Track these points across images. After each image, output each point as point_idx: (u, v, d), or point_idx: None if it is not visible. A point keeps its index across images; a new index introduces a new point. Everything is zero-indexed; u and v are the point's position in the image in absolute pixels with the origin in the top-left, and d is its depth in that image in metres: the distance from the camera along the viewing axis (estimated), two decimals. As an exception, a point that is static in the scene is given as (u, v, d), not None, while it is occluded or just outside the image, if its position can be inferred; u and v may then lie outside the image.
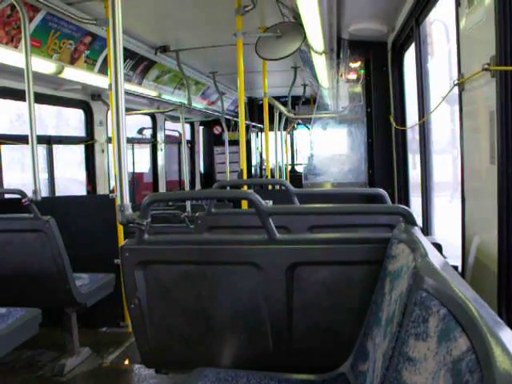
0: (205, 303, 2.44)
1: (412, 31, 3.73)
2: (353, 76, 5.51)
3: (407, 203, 4.44)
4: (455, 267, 2.50)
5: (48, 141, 6.11)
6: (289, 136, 12.23)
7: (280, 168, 9.18)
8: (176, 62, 6.44)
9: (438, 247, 2.42)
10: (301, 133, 13.16)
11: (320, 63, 5.47)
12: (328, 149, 6.34)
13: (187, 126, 10.87)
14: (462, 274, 2.39)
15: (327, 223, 3.25)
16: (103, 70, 5.34)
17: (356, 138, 5.84)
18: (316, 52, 4.93)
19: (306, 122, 10.94)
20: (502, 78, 1.80)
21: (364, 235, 2.35)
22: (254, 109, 11.95)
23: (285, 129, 9.86)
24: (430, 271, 1.50)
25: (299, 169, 12.55)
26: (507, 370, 0.87)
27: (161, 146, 9.30)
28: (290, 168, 11.87)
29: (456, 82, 2.30)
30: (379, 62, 4.81)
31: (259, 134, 13.36)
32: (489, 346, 0.96)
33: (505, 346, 0.94)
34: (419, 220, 3.70)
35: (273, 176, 8.63)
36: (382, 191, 3.08)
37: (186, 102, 7.32)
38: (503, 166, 1.84)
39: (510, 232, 1.86)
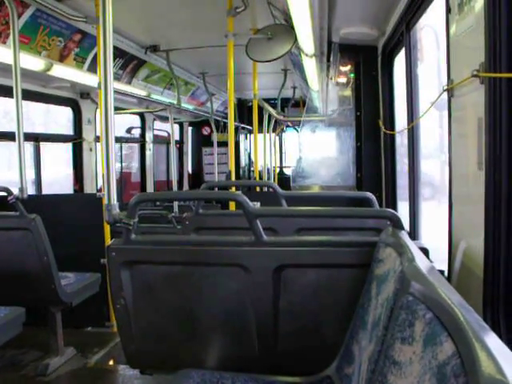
0: (191, 304, 2.43)
1: (402, 36, 3.75)
2: (342, 79, 5.53)
3: (395, 207, 4.46)
4: (442, 272, 2.52)
5: (35, 138, 6.06)
6: (278, 138, 12.24)
7: (268, 170, 9.19)
8: (166, 61, 6.42)
9: (425, 252, 2.43)
10: (290, 135, 13.20)
11: (310, 66, 5.48)
12: (316, 152, 6.35)
13: (176, 127, 10.84)
14: (449, 279, 2.41)
15: (315, 226, 3.25)
16: (93, 69, 5.31)
17: (345, 142, 5.86)
18: (306, 55, 4.94)
19: (295, 125, 10.97)
20: (490, 84, 1.82)
21: (351, 239, 2.36)
22: (244, 110, 11.94)
23: (274, 131, 9.88)
24: (417, 275, 1.50)
25: (288, 171, 12.57)
26: (492, 374, 0.88)
27: (149, 145, 9.26)
28: (278, 170, 11.88)
29: (445, 87, 2.31)
30: (369, 66, 4.83)
31: (248, 135, 13.37)
32: (474, 350, 0.97)
33: (490, 351, 0.94)
34: (407, 224, 3.72)
35: (261, 178, 8.63)
36: (369, 195, 3.09)
37: (175, 102, 7.30)
38: (490, 172, 1.86)
39: (496, 238, 1.87)
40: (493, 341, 1.03)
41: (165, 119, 8.35)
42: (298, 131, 9.02)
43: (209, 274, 2.39)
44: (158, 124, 9.54)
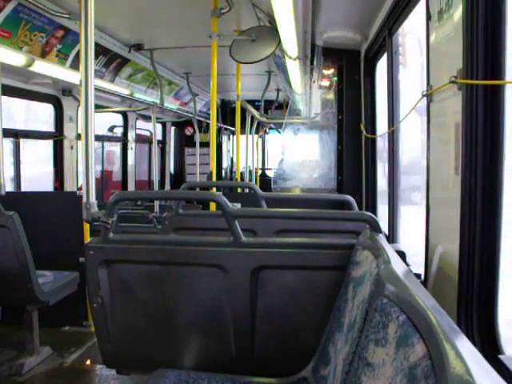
0: (168, 304, 2.43)
1: (385, 41, 3.79)
2: (326, 83, 5.56)
3: (374, 210, 4.50)
4: (418, 275, 2.55)
5: (15, 134, 5.98)
6: (260, 140, 12.26)
7: (250, 171, 9.19)
8: (150, 60, 6.39)
9: (402, 255, 2.46)
10: (273, 137, 13.22)
11: (294, 69, 5.50)
12: (298, 154, 6.38)
13: (159, 126, 10.79)
14: (425, 282, 2.43)
15: (294, 228, 3.27)
16: (75, 66, 5.26)
17: (327, 145, 5.89)
18: (290, 57, 4.96)
19: (278, 127, 10.99)
20: (467, 91, 1.85)
21: (329, 241, 2.37)
22: (227, 111, 11.94)
23: (257, 132, 9.89)
24: (392, 278, 1.52)
25: (270, 173, 12.59)
26: (460, 375, 0.89)
27: (131, 144, 9.21)
28: (260, 172, 11.89)
29: (424, 93, 2.34)
30: (352, 70, 4.87)
31: (231, 136, 13.36)
32: (444, 352, 0.98)
33: (459, 353, 0.96)
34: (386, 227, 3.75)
35: (243, 179, 8.63)
36: (349, 198, 3.12)
37: (158, 101, 7.27)
38: (466, 177, 1.89)
39: (471, 242, 1.90)
40: (463, 342, 1.05)
41: (147, 118, 8.30)
42: (280, 133, 9.05)
43: (187, 274, 2.39)
44: (140, 123, 9.49)
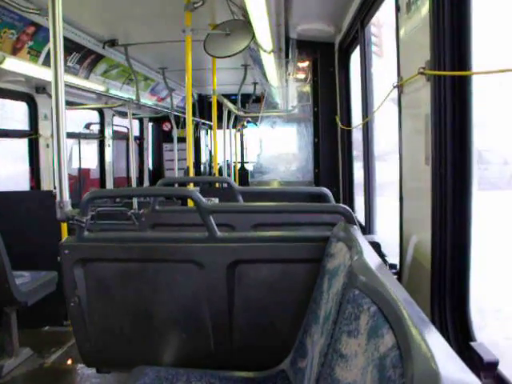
0: (146, 301, 2.42)
1: (357, 33, 3.80)
2: (301, 75, 5.57)
3: (351, 202, 4.53)
4: (394, 265, 2.58)
5: None
6: (239, 134, 12.23)
7: (229, 166, 9.17)
8: (125, 56, 6.33)
9: (377, 246, 2.48)
10: (251, 131, 13.19)
11: (269, 62, 5.50)
12: (275, 147, 6.39)
13: (136, 122, 10.70)
14: (400, 273, 2.46)
15: (271, 221, 3.28)
16: (48, 63, 5.18)
17: (303, 138, 5.90)
18: (265, 51, 4.95)
19: (256, 121, 10.95)
20: (435, 82, 1.87)
21: (304, 234, 2.39)
22: (204, 106, 11.88)
23: (234, 127, 9.86)
24: (364, 269, 1.53)
25: (249, 167, 12.57)
26: (425, 365, 0.90)
27: (109, 141, 9.11)
28: (239, 166, 11.87)
29: (395, 84, 2.36)
30: (326, 63, 4.88)
31: (209, 131, 13.29)
32: (411, 342, 1.00)
33: (426, 343, 0.97)
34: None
35: (221, 174, 8.62)
36: (325, 190, 3.13)
37: (134, 97, 7.20)
38: (436, 167, 1.91)
39: (443, 231, 1.93)
40: (431, 332, 1.06)
41: (124, 115, 8.21)
42: (257, 126, 9.04)
43: (163, 271, 2.38)
44: (117, 120, 9.39)
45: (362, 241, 1.88)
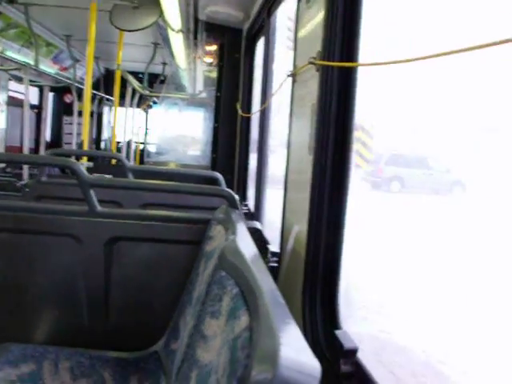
0: (17, 275, 2.29)
1: (264, 21, 3.81)
2: (209, 59, 5.51)
3: (244, 190, 4.55)
4: (276, 253, 2.60)
5: None
6: (144, 114, 11.95)
7: (129, 145, 8.92)
8: (24, 16, 5.91)
9: (258, 232, 2.51)
10: (157, 112, 12.93)
11: (177, 42, 5.37)
12: (177, 130, 6.29)
13: (34, 90, 10.13)
14: (280, 261, 2.49)
15: (160, 202, 3.22)
16: None
17: (207, 122, 5.86)
18: (173, 30, 4.83)
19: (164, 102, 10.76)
20: (323, 72, 1.89)
21: (186, 215, 2.36)
22: (110, 81, 11.45)
23: (139, 106, 9.60)
24: (233, 252, 1.53)
25: (152, 148, 12.34)
26: (267, 347, 0.90)
27: (2, 107, 8.53)
28: (142, 146, 11.62)
29: (289, 73, 2.37)
30: (233, 48, 4.85)
31: (112, 108, 12.84)
32: (261, 325, 0.99)
33: (273, 325, 0.96)
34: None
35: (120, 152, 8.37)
36: (217, 174, 3.11)
37: (32, 62, 6.77)
38: (317, 157, 1.94)
39: (319, 223, 1.96)
40: (284, 316, 1.07)
41: (21, 80, 7.73)
42: (166, 110, 8.87)
43: (38, 244, 2.27)
44: (15, 85, 8.82)
45: (241, 225, 1.88)
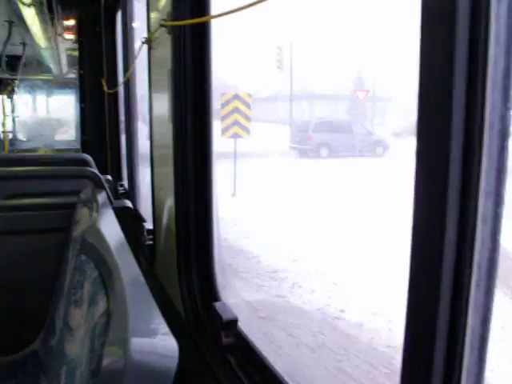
0: None
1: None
2: (69, 36, 5.13)
3: (119, 170, 4.33)
4: (151, 230, 2.48)
5: None
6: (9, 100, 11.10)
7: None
8: None
9: (129, 211, 2.39)
10: (23, 98, 12.05)
11: (29, 18, 4.94)
12: (43, 114, 5.89)
13: None
14: (154, 238, 2.38)
15: (27, 191, 2.98)
16: None
17: (77, 104, 5.52)
18: (23, 3, 4.43)
19: (30, 86, 10.03)
20: (175, 33, 1.76)
21: (50, 201, 2.19)
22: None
23: (1, 92, 8.88)
24: (94, 234, 1.42)
25: (21, 136, 11.52)
26: (120, 333, 0.84)
27: None
28: (11, 135, 10.82)
29: (144, 40, 2.22)
30: (93, 22, 4.54)
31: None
32: (118, 308, 0.92)
33: (128, 308, 0.89)
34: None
35: None
36: (85, 156, 2.91)
37: None
38: (177, 126, 1.82)
39: (185, 194, 1.86)
40: (142, 298, 1.00)
41: None
42: (30, 94, 8.26)
43: None
44: None
45: (105, 205, 1.76)
